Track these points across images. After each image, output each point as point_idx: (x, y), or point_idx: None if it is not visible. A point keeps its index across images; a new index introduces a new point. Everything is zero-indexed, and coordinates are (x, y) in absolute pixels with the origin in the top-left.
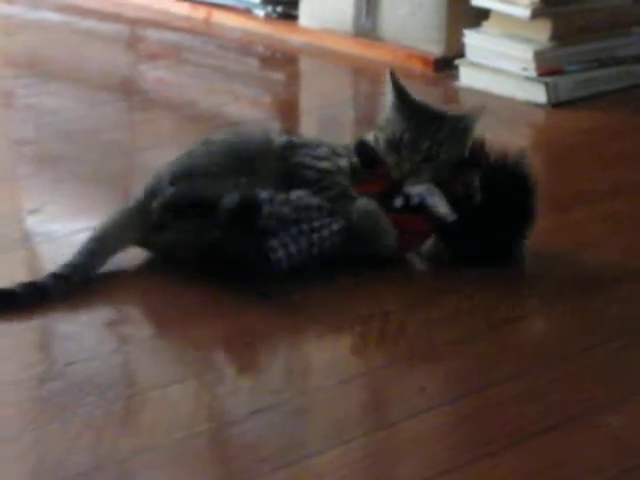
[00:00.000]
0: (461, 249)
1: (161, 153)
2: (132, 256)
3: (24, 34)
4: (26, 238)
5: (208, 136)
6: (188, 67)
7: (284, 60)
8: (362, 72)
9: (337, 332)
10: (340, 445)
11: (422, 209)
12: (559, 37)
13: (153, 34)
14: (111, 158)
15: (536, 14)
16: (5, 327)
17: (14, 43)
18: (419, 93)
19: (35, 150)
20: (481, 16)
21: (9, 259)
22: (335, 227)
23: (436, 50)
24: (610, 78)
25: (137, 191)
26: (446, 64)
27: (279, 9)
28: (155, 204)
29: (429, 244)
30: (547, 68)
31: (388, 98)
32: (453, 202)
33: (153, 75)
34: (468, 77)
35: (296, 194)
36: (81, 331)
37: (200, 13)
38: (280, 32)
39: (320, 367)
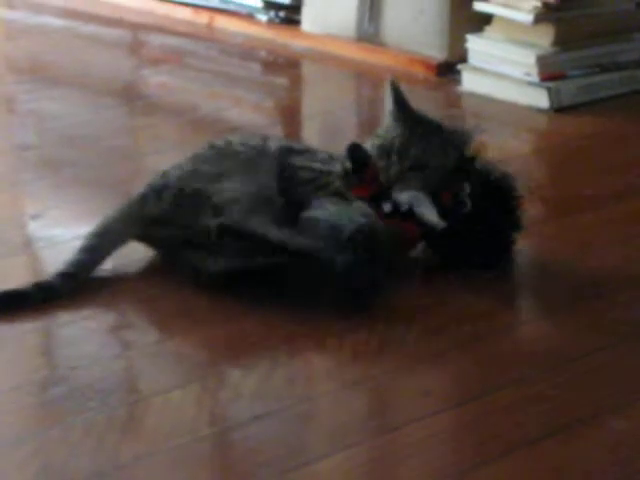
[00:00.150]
0: (449, 256)
1: (163, 158)
2: (134, 262)
3: (26, 39)
4: (28, 243)
5: (213, 142)
6: (190, 72)
7: (287, 65)
8: (365, 77)
9: (340, 337)
10: (343, 450)
11: (411, 215)
12: (562, 42)
13: (155, 39)
14: (113, 163)
15: (539, 19)
16: (7, 332)
17: (16, 48)
18: (422, 98)
19: (37, 155)
20: (484, 21)
21: (12, 264)
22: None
23: (439, 55)
24: (613, 83)
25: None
26: (449, 69)
27: (282, 14)
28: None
29: (419, 250)
30: (550, 73)
31: (387, 106)
32: (442, 211)
33: (155, 80)
34: (471, 82)
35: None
36: (83, 336)
37: (203, 18)
38: (283, 37)
39: (323, 372)
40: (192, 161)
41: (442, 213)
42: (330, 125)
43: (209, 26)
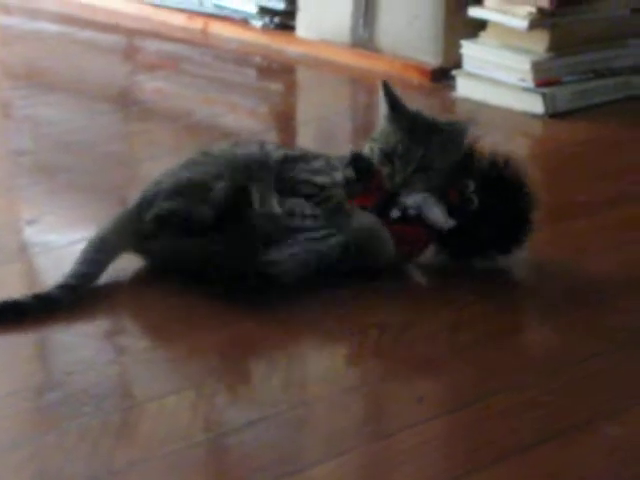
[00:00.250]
0: (460, 254)
1: (159, 163)
2: (129, 268)
3: (22, 45)
4: (24, 249)
5: (206, 148)
6: (185, 78)
7: (281, 71)
8: (359, 83)
9: (335, 343)
10: (338, 455)
11: (419, 219)
12: (556, 48)
13: (151, 45)
14: (109, 169)
15: (533, 25)
16: (2, 338)
17: (12, 54)
18: (416, 104)
19: (33, 161)
20: (478, 27)
21: (7, 270)
22: (333, 241)
23: (433, 61)
24: (607, 89)
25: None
26: (443, 75)
27: (276, 20)
28: (149, 215)
29: (427, 255)
30: (544, 79)
31: (382, 109)
32: (449, 209)
33: (151, 86)
34: (465, 88)
35: (292, 201)
36: (78, 342)
37: (197, 24)
38: (277, 43)
39: (318, 378)
40: (185, 168)
41: (449, 209)
42: (325, 130)
43: (204, 32)
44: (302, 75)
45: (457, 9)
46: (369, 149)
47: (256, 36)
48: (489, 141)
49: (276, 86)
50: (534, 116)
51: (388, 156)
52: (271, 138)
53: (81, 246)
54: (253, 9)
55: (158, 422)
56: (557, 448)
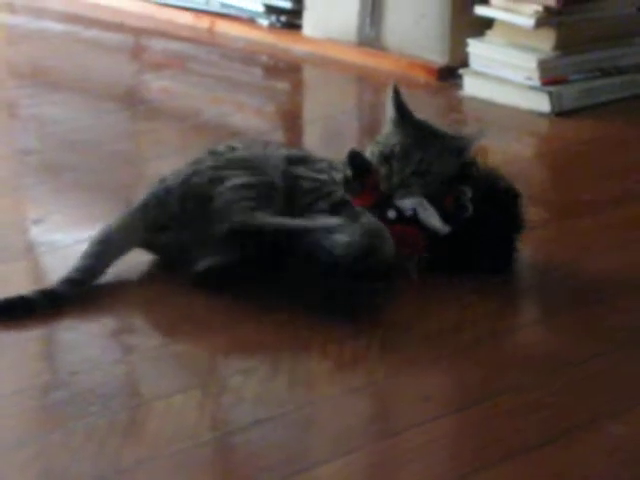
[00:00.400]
0: (453, 261)
1: (165, 162)
2: (136, 267)
3: (27, 44)
4: (30, 248)
5: (213, 147)
6: (192, 77)
7: (288, 69)
8: (366, 81)
9: (341, 342)
10: (344, 455)
11: (415, 221)
12: (563, 46)
13: (157, 44)
14: (115, 168)
15: (540, 23)
16: (9, 336)
17: (17, 53)
18: (423, 103)
19: (39, 160)
20: (485, 25)
21: (13, 269)
22: (337, 238)
23: (440, 59)
24: (614, 87)
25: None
26: (450, 73)
27: (283, 18)
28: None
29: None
30: (551, 77)
31: (388, 112)
32: (444, 216)
33: (157, 85)
34: (472, 86)
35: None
36: (85, 341)
37: (204, 23)
38: (284, 41)
39: (324, 377)
40: (192, 166)
41: (444, 218)
42: (331, 129)
43: (210, 31)
44: (309, 74)
45: (464, 8)
46: (370, 152)
47: (263, 35)
48: (496, 140)
49: (283, 85)
50: (540, 114)
51: (386, 157)
52: (278, 137)
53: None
54: (260, 8)
55: (165, 421)
56: (562, 448)
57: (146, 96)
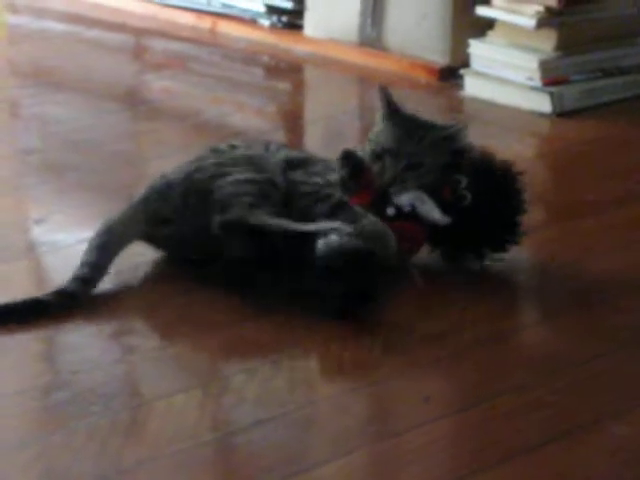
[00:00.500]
0: (454, 252)
1: (167, 162)
2: (136, 267)
3: (29, 44)
4: (31, 248)
5: (214, 145)
6: (193, 77)
7: (289, 70)
8: (367, 82)
9: (341, 343)
10: (345, 455)
11: (414, 215)
12: (564, 47)
13: (158, 44)
14: (117, 167)
15: (541, 24)
16: (11, 337)
17: (19, 53)
18: (424, 103)
19: (41, 160)
20: (486, 26)
21: (15, 269)
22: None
23: (441, 60)
24: (615, 88)
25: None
26: (451, 74)
27: (284, 19)
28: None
29: (425, 255)
30: (552, 78)
31: (378, 110)
32: (443, 206)
33: (158, 85)
34: (473, 87)
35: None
36: (86, 341)
37: (205, 23)
38: (285, 42)
39: (325, 378)
40: (194, 163)
41: (444, 208)
42: (333, 130)
43: (212, 31)
44: (310, 74)
45: (465, 8)
46: (362, 150)
47: (264, 35)
48: (497, 140)
49: (284, 85)
50: (542, 115)
51: (378, 154)
52: (279, 137)
53: None
54: (261, 8)
55: (166, 421)
56: (563, 448)
57: (147, 96)
